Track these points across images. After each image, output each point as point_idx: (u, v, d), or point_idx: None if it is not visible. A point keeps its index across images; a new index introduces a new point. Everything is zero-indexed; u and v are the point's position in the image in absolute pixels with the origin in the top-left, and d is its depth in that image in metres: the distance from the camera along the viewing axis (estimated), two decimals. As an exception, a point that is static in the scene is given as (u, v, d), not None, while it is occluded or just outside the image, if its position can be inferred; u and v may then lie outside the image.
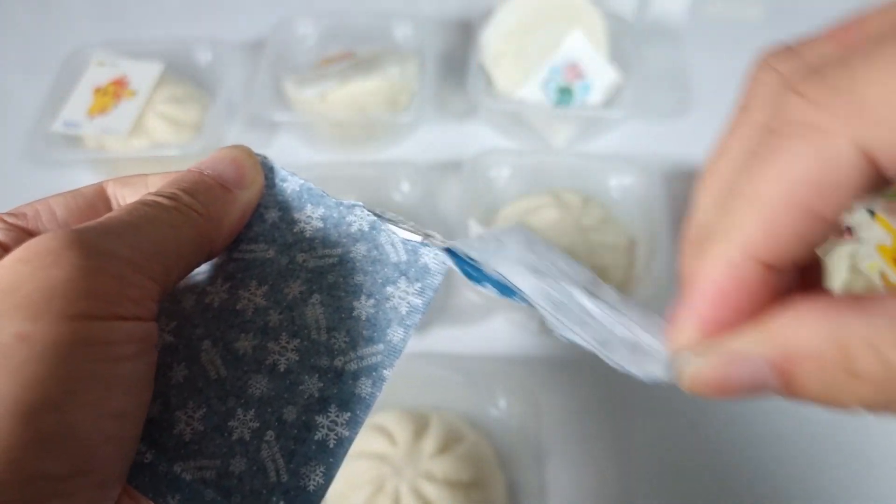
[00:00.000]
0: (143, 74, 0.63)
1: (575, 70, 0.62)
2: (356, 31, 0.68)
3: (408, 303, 0.23)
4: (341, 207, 0.24)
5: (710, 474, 0.46)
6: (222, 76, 0.65)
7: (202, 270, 0.24)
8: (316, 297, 0.23)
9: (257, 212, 0.24)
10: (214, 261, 0.24)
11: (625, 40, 0.65)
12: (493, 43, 0.65)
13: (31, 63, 0.73)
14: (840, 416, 0.48)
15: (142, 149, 0.60)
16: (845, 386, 0.15)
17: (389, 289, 0.23)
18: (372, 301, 0.23)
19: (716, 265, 0.17)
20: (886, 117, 0.14)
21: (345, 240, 0.24)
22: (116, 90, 0.62)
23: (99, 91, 0.63)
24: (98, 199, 0.25)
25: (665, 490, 0.46)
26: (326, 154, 0.64)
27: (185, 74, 0.66)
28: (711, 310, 0.17)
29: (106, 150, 0.61)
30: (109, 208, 0.24)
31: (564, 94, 0.62)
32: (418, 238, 0.23)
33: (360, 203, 0.24)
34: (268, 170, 0.24)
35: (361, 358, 0.23)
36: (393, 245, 0.23)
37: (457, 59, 0.68)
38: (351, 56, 0.64)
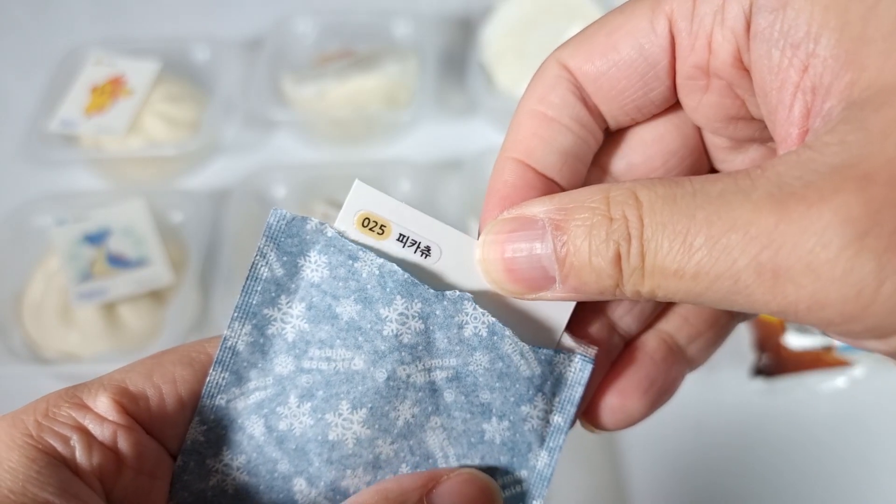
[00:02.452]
0: (140, 73, 0.62)
1: (576, 68, 0.62)
2: (355, 28, 0.68)
3: (548, 422, 0.20)
4: (445, 302, 0.19)
5: (710, 475, 0.46)
6: (220, 74, 0.65)
7: (261, 385, 0.19)
8: (436, 421, 0.19)
9: (325, 302, 0.19)
10: (277, 371, 0.19)
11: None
12: (494, 40, 0.64)
13: (27, 62, 0.72)
14: (840, 419, 0.48)
15: (139, 148, 0.60)
16: (603, 231, 0.17)
17: (525, 408, 0.20)
18: (506, 423, 0.20)
19: (494, 176, 0.20)
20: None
21: (458, 347, 0.19)
22: (113, 89, 0.62)
23: (96, 90, 0.62)
24: None
25: (665, 490, 0.46)
26: (325, 152, 0.64)
27: (182, 73, 0.65)
28: (497, 203, 0.20)
29: (103, 150, 0.60)
30: None
31: (565, 92, 0.61)
32: (553, 336, 0.20)
33: (469, 295, 0.19)
34: (329, 243, 0.19)
35: (503, 488, 0.20)
36: (522, 355, 0.20)
37: (457, 57, 0.68)
38: (350, 54, 0.64)
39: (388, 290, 0.19)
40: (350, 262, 0.19)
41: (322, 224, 0.20)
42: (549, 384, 0.20)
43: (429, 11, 0.70)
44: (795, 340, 0.47)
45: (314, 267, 0.19)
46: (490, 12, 0.66)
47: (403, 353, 0.19)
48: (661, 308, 0.22)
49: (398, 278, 0.19)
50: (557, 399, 0.20)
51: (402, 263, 0.19)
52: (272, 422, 0.19)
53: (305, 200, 0.57)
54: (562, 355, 0.20)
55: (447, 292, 0.19)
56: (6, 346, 0.50)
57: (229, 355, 0.19)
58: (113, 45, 0.66)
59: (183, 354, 0.20)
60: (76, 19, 0.76)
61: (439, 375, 0.19)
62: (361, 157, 0.63)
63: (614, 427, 0.21)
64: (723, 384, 0.49)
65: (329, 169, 0.59)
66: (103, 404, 0.18)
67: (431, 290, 0.19)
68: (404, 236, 0.20)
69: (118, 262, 0.52)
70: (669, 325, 0.22)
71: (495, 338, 0.19)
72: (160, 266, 0.52)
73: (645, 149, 0.21)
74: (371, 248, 0.19)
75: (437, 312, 0.19)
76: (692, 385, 0.49)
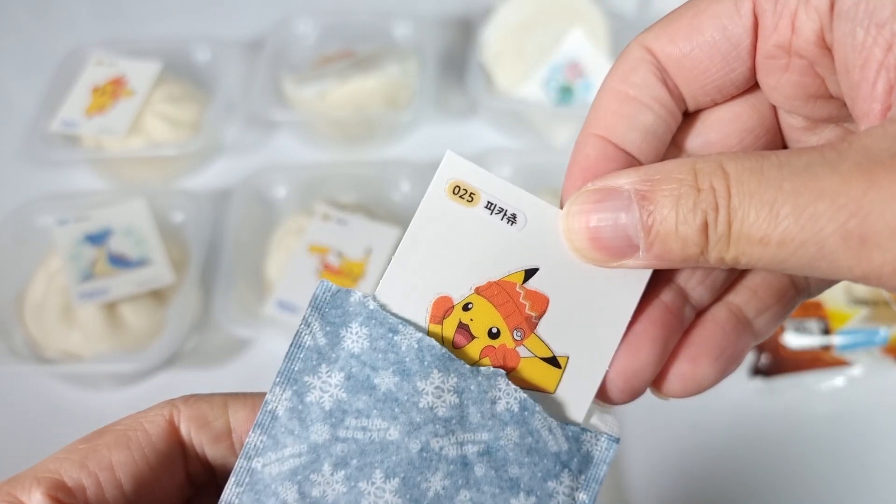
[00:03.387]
0: (141, 74, 0.63)
1: (575, 69, 0.62)
2: (356, 29, 0.68)
3: (574, 499, 0.20)
4: (479, 378, 0.20)
5: (708, 474, 0.46)
6: (221, 75, 0.65)
7: (296, 452, 0.19)
8: (465, 495, 0.19)
9: (363, 373, 0.20)
10: (313, 439, 0.19)
11: (625, 38, 0.64)
12: (494, 41, 0.65)
13: (28, 62, 0.73)
14: (838, 418, 0.48)
15: (140, 148, 0.60)
16: (690, 200, 0.18)
17: (551, 484, 0.20)
18: (533, 499, 0.20)
19: (576, 150, 0.21)
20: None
21: (490, 422, 0.20)
22: (114, 89, 0.62)
23: (97, 90, 0.62)
24: (171, 446, 0.21)
25: (663, 489, 0.46)
26: (326, 153, 0.64)
27: (183, 73, 0.65)
28: (580, 175, 0.21)
29: (104, 150, 0.61)
30: (186, 458, 0.21)
31: (565, 92, 0.62)
32: (579, 413, 0.21)
33: (502, 371, 0.20)
34: (371, 316, 0.20)
35: None
36: (551, 431, 0.20)
37: (457, 58, 0.68)
38: (350, 55, 0.64)
39: (425, 363, 0.20)
40: (390, 335, 0.20)
41: (365, 297, 0.20)
42: (576, 461, 0.20)
43: (429, 12, 0.70)
44: (794, 340, 0.48)
45: (355, 338, 0.20)
46: (489, 13, 0.66)
47: (437, 426, 0.20)
48: (732, 281, 0.22)
49: (436, 352, 0.20)
50: (583, 476, 0.20)
51: (489, 229, 0.21)
52: (305, 488, 0.19)
53: (306, 201, 0.57)
54: (589, 434, 0.21)
55: (482, 368, 0.20)
56: (8, 346, 0.50)
57: (269, 419, 0.20)
58: (114, 45, 0.66)
59: (119, 435, 0.19)
60: (77, 20, 0.76)
61: (471, 449, 0.20)
62: (362, 158, 0.63)
63: (682, 394, 0.22)
64: (721, 384, 0.49)
65: (329, 169, 0.59)
66: (38, 501, 0.18)
67: (467, 366, 0.20)
68: (492, 204, 0.21)
69: (119, 261, 0.52)
70: (739, 297, 0.22)
71: (526, 413, 0.20)
72: (161, 266, 0.52)
73: (722, 127, 0.22)
74: (462, 214, 0.21)
75: (472, 387, 0.20)
76: (691, 384, 0.49)
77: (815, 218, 0.16)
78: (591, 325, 0.21)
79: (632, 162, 0.21)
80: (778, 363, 0.47)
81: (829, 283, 0.23)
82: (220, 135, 0.64)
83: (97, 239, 0.53)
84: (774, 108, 0.22)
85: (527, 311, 0.21)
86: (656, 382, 0.22)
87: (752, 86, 0.21)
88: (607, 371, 0.21)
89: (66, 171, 0.63)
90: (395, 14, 0.68)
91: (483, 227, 0.21)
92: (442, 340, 0.20)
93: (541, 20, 0.65)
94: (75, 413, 0.50)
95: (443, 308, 0.21)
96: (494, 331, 0.21)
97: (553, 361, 0.21)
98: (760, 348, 0.48)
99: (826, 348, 0.47)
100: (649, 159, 0.21)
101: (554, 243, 0.21)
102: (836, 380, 0.48)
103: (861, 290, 0.49)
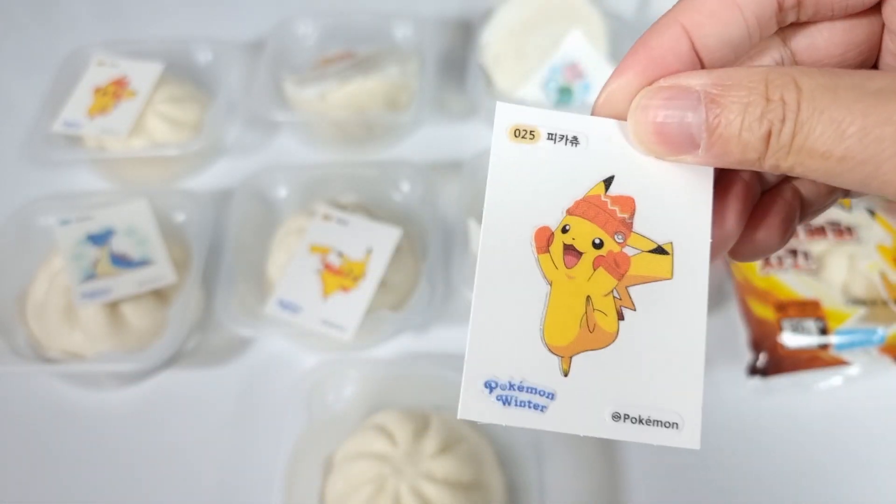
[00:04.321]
0: (142, 74, 0.63)
1: (575, 70, 0.62)
2: (356, 30, 0.68)
3: None
4: None
5: (706, 473, 0.46)
6: (222, 76, 0.65)
7: None
8: None
9: None
10: None
11: (624, 40, 0.65)
12: (493, 43, 0.65)
13: (31, 63, 0.73)
14: (836, 417, 0.48)
15: (141, 149, 0.60)
16: (758, 109, 0.19)
17: None
18: None
19: (653, 32, 0.22)
20: None
21: None
22: (116, 90, 0.62)
23: (99, 91, 0.63)
24: None
25: (661, 488, 0.46)
26: (326, 154, 0.64)
27: (184, 74, 0.66)
28: (647, 61, 0.21)
29: (106, 150, 0.61)
30: None
31: (564, 93, 0.62)
32: None
33: None
34: None
35: None
36: None
37: (457, 59, 0.68)
38: (351, 56, 0.64)
39: None
40: None
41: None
42: None
43: (429, 14, 0.70)
44: (792, 340, 0.48)
45: None
46: (489, 15, 0.66)
47: None
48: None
49: None
50: None
51: (558, 156, 0.22)
52: None
53: (307, 201, 0.57)
54: None
55: None
56: (10, 346, 0.50)
57: None
58: (116, 46, 0.67)
59: None
60: (79, 21, 0.77)
61: None
62: (362, 158, 0.64)
63: (753, 257, 0.24)
64: (719, 383, 0.49)
65: (330, 169, 0.59)
66: None
67: None
68: (552, 134, 0.22)
69: (121, 261, 0.52)
70: (801, 183, 0.24)
71: None
72: (163, 266, 0.52)
73: (833, 35, 0.23)
74: (529, 151, 0.22)
75: None
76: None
77: (879, 140, 0.17)
78: (680, 208, 0.22)
79: (698, 67, 0.21)
80: (776, 362, 0.48)
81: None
82: (221, 135, 0.64)
83: (99, 239, 0.53)
84: (882, 28, 0.23)
85: (618, 214, 0.22)
86: (733, 248, 0.24)
87: (874, 7, 0.22)
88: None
89: (68, 171, 0.63)
90: (395, 15, 0.69)
91: (552, 155, 0.22)
92: (554, 265, 0.22)
93: (540, 21, 0.65)
94: (77, 412, 0.50)
95: (544, 237, 0.22)
96: (597, 241, 0.22)
97: (660, 251, 0.22)
98: (758, 348, 0.48)
99: (824, 348, 0.48)
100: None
101: (619, 150, 0.22)
102: (833, 379, 0.49)
103: (859, 290, 0.49)
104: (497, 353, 0.21)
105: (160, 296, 0.52)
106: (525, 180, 0.22)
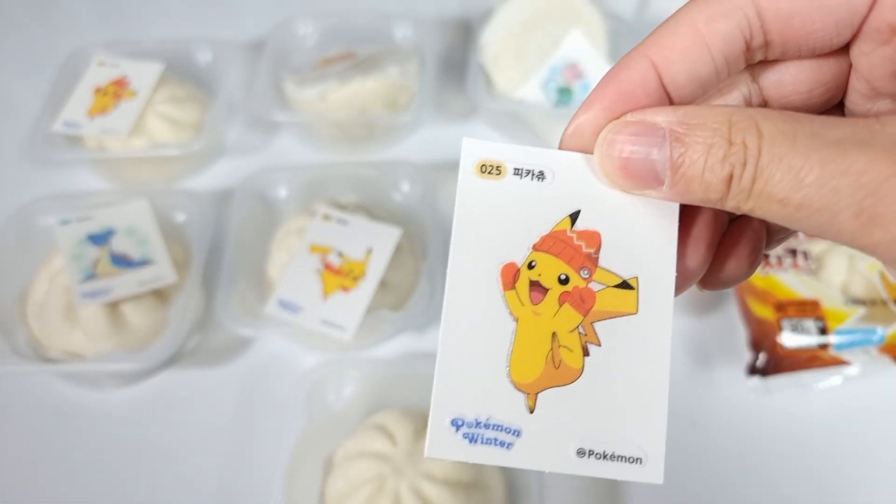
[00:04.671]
0: (143, 75, 0.63)
1: (574, 70, 0.62)
2: (356, 31, 0.68)
3: None
4: None
5: (705, 473, 0.46)
6: (222, 76, 0.65)
7: None
8: None
9: None
10: None
11: (624, 40, 0.65)
12: (493, 43, 0.65)
13: (31, 63, 0.73)
14: (836, 417, 0.48)
15: (142, 149, 0.60)
16: (721, 152, 0.19)
17: None
18: None
19: (622, 66, 0.22)
20: None
21: None
22: (117, 90, 0.62)
23: (99, 91, 0.63)
24: None
25: (660, 488, 0.46)
26: (326, 154, 0.64)
27: (185, 74, 0.66)
28: (615, 95, 0.21)
29: (106, 151, 0.61)
30: None
31: (564, 94, 0.62)
32: None
33: None
34: None
35: None
36: None
37: (456, 60, 0.68)
38: (351, 56, 0.64)
39: None
40: None
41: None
42: None
43: (429, 14, 0.70)
44: (791, 339, 0.48)
45: None
46: (489, 15, 0.66)
47: None
48: None
49: None
50: None
51: (525, 191, 0.22)
52: None
53: (307, 201, 0.57)
54: None
55: None
56: (10, 346, 0.50)
57: None
58: (116, 46, 0.67)
59: None
60: (79, 21, 0.77)
61: None
62: (362, 158, 0.64)
63: (724, 286, 0.24)
64: (719, 383, 0.49)
65: (330, 170, 0.59)
66: None
67: None
68: (519, 169, 0.22)
69: (122, 261, 0.52)
70: None
71: None
72: (163, 265, 0.52)
73: (800, 73, 0.23)
74: (495, 187, 0.22)
75: None
76: (688, 384, 0.50)
77: (835, 191, 0.18)
78: (646, 241, 0.22)
79: (666, 102, 0.22)
80: (775, 362, 0.48)
81: None
82: (221, 135, 0.64)
83: (99, 239, 0.53)
84: (850, 68, 0.23)
85: (584, 249, 0.22)
86: (703, 279, 0.24)
87: (842, 47, 0.22)
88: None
89: (68, 171, 0.63)
90: (395, 16, 0.69)
91: (518, 191, 0.22)
92: (520, 301, 0.22)
93: (540, 22, 0.65)
94: (77, 412, 0.50)
95: (511, 274, 0.22)
96: (563, 277, 0.22)
97: (625, 286, 0.22)
98: (758, 348, 0.48)
99: (823, 347, 0.48)
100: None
101: (585, 184, 0.22)
102: (833, 379, 0.49)
103: (858, 290, 0.49)
104: (464, 391, 0.21)
105: (160, 296, 0.52)
106: (492, 216, 0.22)
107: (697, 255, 0.23)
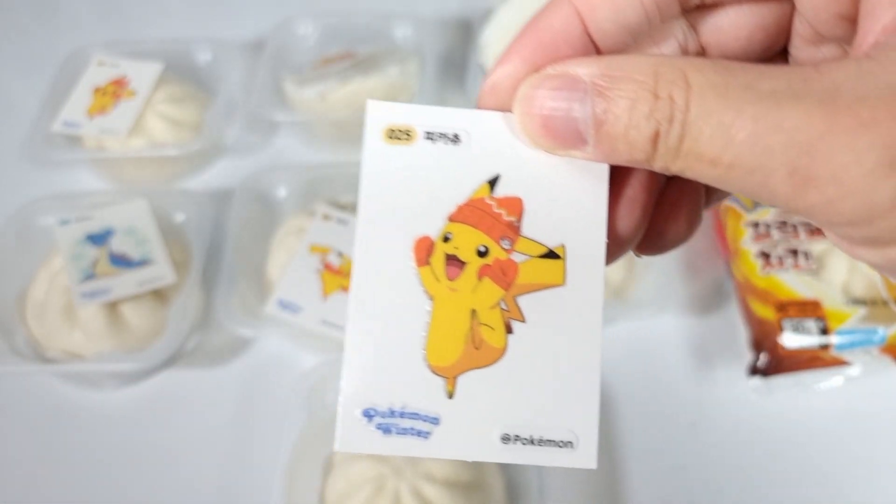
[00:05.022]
0: (142, 74, 0.63)
1: (575, 70, 0.62)
2: (356, 31, 0.68)
3: None
4: None
5: (706, 474, 0.46)
6: (222, 76, 0.65)
7: None
8: None
9: None
10: None
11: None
12: (493, 43, 0.65)
13: (30, 63, 0.73)
14: (837, 417, 0.48)
15: (141, 149, 0.60)
16: (646, 107, 0.17)
17: None
18: None
19: (543, 14, 0.20)
20: None
21: None
22: (116, 90, 0.62)
23: (98, 91, 0.63)
24: None
25: (661, 489, 0.46)
26: (326, 153, 0.64)
27: (184, 74, 0.66)
28: (536, 47, 0.20)
29: (105, 150, 0.61)
30: None
31: (564, 93, 0.62)
32: None
33: None
34: None
35: None
36: None
37: (457, 59, 0.68)
38: (351, 56, 0.64)
39: None
40: None
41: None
42: None
43: (429, 14, 0.70)
44: (792, 340, 0.48)
45: None
46: (489, 15, 0.66)
47: None
48: None
49: None
50: None
51: (438, 156, 0.20)
52: None
53: (307, 201, 0.57)
54: None
55: None
56: (10, 346, 0.50)
57: None
58: (116, 46, 0.67)
59: None
60: (79, 21, 0.77)
61: None
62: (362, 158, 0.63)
63: (661, 251, 0.22)
64: (719, 383, 0.49)
65: (330, 169, 0.59)
66: None
67: None
68: (430, 132, 0.21)
69: (121, 261, 0.52)
70: None
71: None
72: (163, 266, 0.52)
73: (739, 17, 0.21)
74: (406, 153, 0.21)
75: None
76: (688, 384, 0.50)
77: (768, 150, 0.16)
78: (573, 206, 0.20)
79: (591, 52, 0.20)
80: (776, 363, 0.48)
81: None
82: (221, 135, 0.64)
83: (99, 239, 0.53)
84: (793, 11, 0.21)
85: (505, 217, 0.20)
86: (640, 244, 0.22)
87: None
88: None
89: (67, 171, 0.63)
90: (395, 15, 0.69)
91: (431, 157, 0.20)
92: (436, 278, 0.20)
93: (540, 21, 0.65)
94: (77, 413, 0.50)
95: (425, 248, 0.20)
96: (482, 249, 0.20)
97: (551, 255, 0.20)
98: (758, 348, 0.48)
99: (824, 348, 0.47)
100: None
101: (504, 145, 0.20)
102: (834, 379, 0.49)
103: (859, 290, 0.49)
104: (376, 379, 0.19)
105: (160, 296, 0.52)
106: (402, 186, 0.20)
107: (631, 218, 0.21)
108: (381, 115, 0.21)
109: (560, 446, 0.19)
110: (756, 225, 0.52)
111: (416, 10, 0.70)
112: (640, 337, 0.51)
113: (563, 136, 0.19)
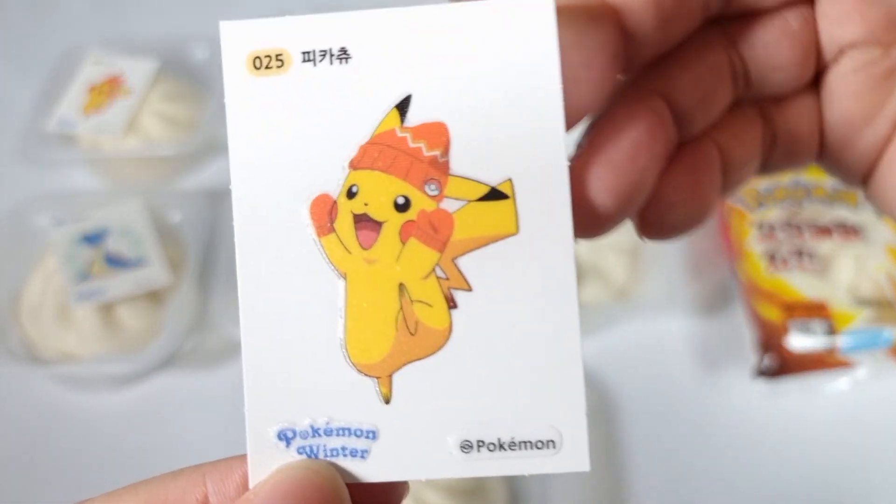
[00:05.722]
0: (138, 72, 0.62)
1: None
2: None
3: None
4: None
5: (711, 476, 0.46)
6: (219, 73, 0.64)
7: None
8: None
9: None
10: None
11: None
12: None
13: (24, 61, 0.72)
14: (843, 420, 0.47)
15: (137, 148, 0.60)
16: None
17: None
18: None
19: None
20: None
21: None
22: (111, 88, 0.61)
23: (94, 89, 0.62)
24: None
25: (665, 491, 0.45)
26: (325, 153, 0.64)
27: (181, 72, 0.65)
28: None
29: (101, 149, 0.60)
30: None
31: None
32: None
33: None
34: None
35: None
36: None
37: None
38: (349, 53, 0.64)
39: None
40: None
41: None
42: None
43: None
44: (798, 341, 0.47)
45: None
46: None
47: None
48: (718, 117, 0.19)
49: None
50: None
51: (324, 83, 0.15)
52: None
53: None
54: None
55: None
56: (4, 347, 0.49)
57: None
58: (111, 44, 0.66)
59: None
60: (74, 19, 0.76)
61: None
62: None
63: (673, 228, 0.18)
64: (724, 385, 0.49)
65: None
66: None
67: None
68: (308, 52, 0.15)
69: (116, 262, 0.52)
70: (725, 139, 0.19)
71: None
72: (158, 266, 0.51)
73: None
74: (281, 86, 0.15)
75: None
76: (693, 386, 0.49)
77: None
78: (517, 120, 0.15)
79: None
80: (782, 364, 0.47)
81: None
82: (218, 134, 0.63)
83: (94, 239, 0.53)
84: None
85: (425, 153, 0.15)
86: (641, 218, 0.18)
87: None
88: (583, 170, 0.15)
89: (62, 170, 0.63)
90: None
91: (314, 85, 0.15)
92: (345, 248, 0.15)
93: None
94: (71, 415, 0.50)
95: (325, 211, 0.15)
96: (401, 201, 0.15)
97: (495, 194, 0.15)
98: (764, 350, 0.48)
99: (831, 350, 0.47)
100: None
101: (412, 51, 0.15)
102: (840, 381, 0.48)
103: (865, 291, 0.49)
104: (287, 390, 0.15)
105: (156, 297, 0.52)
106: (282, 132, 0.15)
107: (638, 164, 0.16)
108: (239, 39, 0.16)
109: (538, 448, 0.15)
110: (761, 225, 0.51)
111: (414, 6, 0.69)
112: (643, 338, 0.50)
113: None
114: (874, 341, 0.47)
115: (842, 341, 0.47)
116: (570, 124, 0.15)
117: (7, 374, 0.50)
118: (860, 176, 0.19)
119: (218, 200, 0.58)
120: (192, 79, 0.65)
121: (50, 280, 0.51)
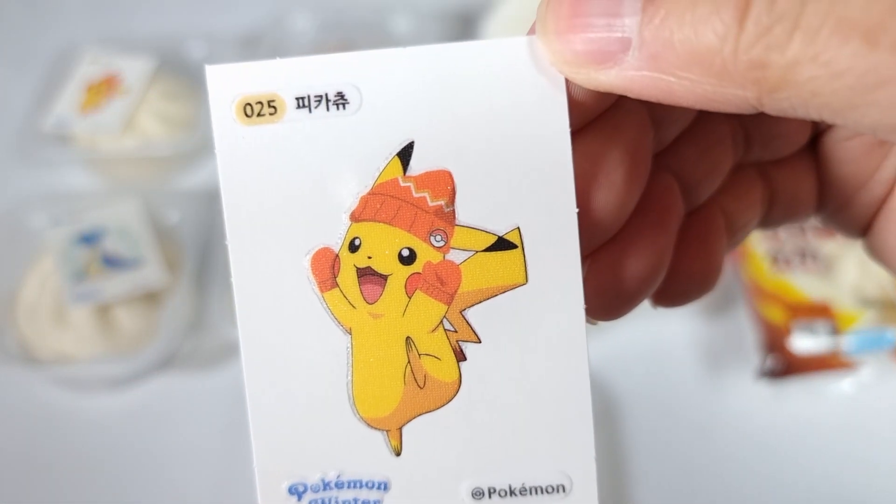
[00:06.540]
0: (135, 71, 0.62)
1: (578, 65, 0.61)
2: (353, 24, 0.67)
3: None
4: None
5: (714, 477, 0.45)
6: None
7: None
8: None
9: None
10: None
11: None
12: (494, 37, 0.64)
13: (22, 60, 0.72)
14: (846, 422, 0.47)
15: (134, 147, 0.59)
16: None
17: None
18: None
19: None
20: None
21: None
22: (109, 87, 0.61)
23: (91, 88, 0.61)
24: None
25: (668, 493, 0.45)
26: (324, 151, 0.63)
27: (179, 70, 0.65)
28: None
29: (98, 149, 0.60)
30: None
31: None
32: None
33: None
34: None
35: None
36: None
37: (457, 54, 0.67)
38: (348, 49, 0.63)
39: None
40: None
41: None
42: None
43: (428, 7, 0.69)
44: (802, 342, 0.47)
45: None
46: (490, 8, 0.65)
47: None
48: (720, 183, 0.19)
49: None
50: None
51: (321, 131, 0.14)
52: None
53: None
54: None
55: None
56: (0, 348, 0.49)
57: None
58: (108, 42, 0.66)
59: None
60: (71, 17, 0.76)
61: None
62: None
63: (688, 296, 0.19)
64: (728, 387, 0.49)
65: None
66: None
67: None
68: (303, 98, 0.15)
69: (113, 262, 0.51)
70: (729, 203, 0.19)
71: None
72: (155, 267, 0.51)
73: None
74: (274, 135, 0.15)
75: None
76: (697, 387, 0.49)
77: None
78: (524, 168, 0.14)
79: None
80: (786, 365, 0.47)
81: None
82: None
83: (91, 239, 0.52)
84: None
85: (430, 203, 0.15)
86: (660, 288, 0.18)
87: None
88: (614, 261, 0.16)
89: (59, 170, 0.62)
90: (393, 9, 0.68)
91: (311, 134, 0.15)
92: (349, 303, 0.15)
93: (542, 15, 0.64)
94: (68, 417, 0.49)
95: (327, 265, 0.15)
96: (406, 254, 0.15)
97: (503, 244, 0.15)
98: (768, 351, 0.47)
99: (835, 350, 0.47)
100: None
101: (412, 97, 0.14)
102: (844, 382, 0.48)
103: (870, 291, 0.48)
104: (298, 444, 0.15)
105: (153, 298, 0.51)
106: (278, 183, 0.15)
107: (612, 188, 0.15)
108: (227, 84, 0.15)
109: (549, 492, 0.15)
110: (764, 225, 0.51)
111: (415, 4, 0.69)
112: (646, 340, 0.50)
113: (595, 49, 0.13)
114: (878, 342, 0.47)
115: (846, 342, 0.47)
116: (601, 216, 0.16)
117: (3, 375, 0.50)
118: (858, 230, 0.19)
119: (216, 200, 0.57)
120: (190, 77, 0.65)
121: (46, 280, 0.51)
